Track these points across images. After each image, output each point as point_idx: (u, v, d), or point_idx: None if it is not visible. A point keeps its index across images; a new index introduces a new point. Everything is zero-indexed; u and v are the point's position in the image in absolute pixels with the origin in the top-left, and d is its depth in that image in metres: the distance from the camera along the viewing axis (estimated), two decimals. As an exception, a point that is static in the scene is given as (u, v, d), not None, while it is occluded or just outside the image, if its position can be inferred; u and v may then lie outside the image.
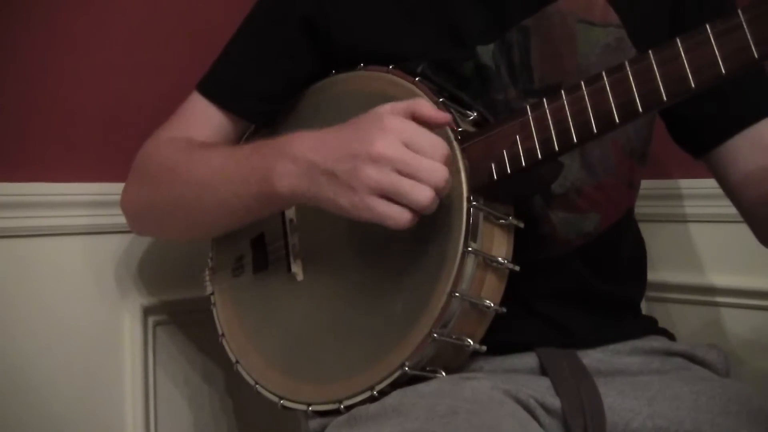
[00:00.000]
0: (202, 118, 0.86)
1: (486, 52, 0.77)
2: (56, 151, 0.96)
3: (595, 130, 0.63)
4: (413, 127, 0.65)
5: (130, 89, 1.02)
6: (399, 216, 0.64)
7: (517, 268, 0.71)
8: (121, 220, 0.89)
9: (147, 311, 1.02)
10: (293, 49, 0.83)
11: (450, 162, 0.66)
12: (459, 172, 0.69)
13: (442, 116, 0.68)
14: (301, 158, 0.68)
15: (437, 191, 0.64)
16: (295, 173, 0.68)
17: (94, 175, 0.98)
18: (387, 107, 0.67)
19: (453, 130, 0.70)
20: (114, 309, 0.99)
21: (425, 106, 0.67)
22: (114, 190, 0.90)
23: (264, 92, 0.85)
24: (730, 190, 0.83)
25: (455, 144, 0.70)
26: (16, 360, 0.90)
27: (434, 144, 0.65)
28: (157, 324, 1.03)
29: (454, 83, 0.76)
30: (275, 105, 0.86)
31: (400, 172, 0.63)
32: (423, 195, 0.63)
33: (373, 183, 0.63)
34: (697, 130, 0.83)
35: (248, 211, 0.76)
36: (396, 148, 0.63)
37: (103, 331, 0.98)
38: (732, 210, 0.83)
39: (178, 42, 1.07)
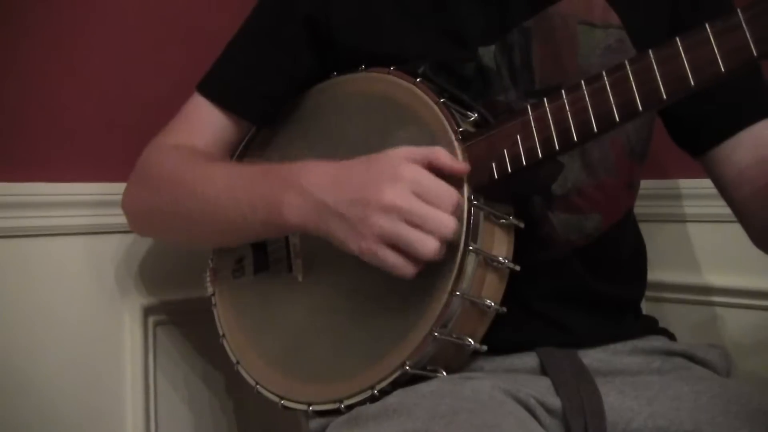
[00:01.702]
0: (203, 120, 0.86)
1: (487, 53, 0.77)
2: (57, 151, 0.96)
3: (595, 130, 0.63)
4: (425, 176, 0.66)
5: (130, 89, 1.02)
6: (403, 268, 0.65)
7: (517, 268, 0.71)
8: (122, 220, 0.89)
9: (147, 311, 1.02)
10: (295, 49, 0.84)
11: (460, 212, 0.66)
12: None
13: (460, 167, 0.68)
14: (311, 195, 0.69)
15: (443, 241, 0.65)
16: (305, 209, 0.69)
17: (95, 175, 0.98)
18: (403, 152, 0.67)
19: (454, 130, 0.70)
20: (114, 309, 0.99)
21: (443, 155, 0.68)
22: (115, 190, 0.90)
23: (265, 92, 0.85)
24: (724, 189, 0.83)
25: (456, 143, 0.70)
26: (17, 360, 0.90)
27: (445, 194, 0.66)
28: (157, 324, 1.03)
29: (455, 84, 0.76)
30: (276, 105, 0.86)
31: (409, 223, 0.64)
32: (428, 247, 0.64)
33: (380, 232, 0.64)
34: (696, 130, 0.84)
35: (255, 234, 0.78)
36: (406, 199, 0.64)
37: (103, 331, 0.98)
38: (731, 210, 0.84)
39: (179, 41, 1.07)
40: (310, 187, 0.69)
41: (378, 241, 0.65)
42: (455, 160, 0.68)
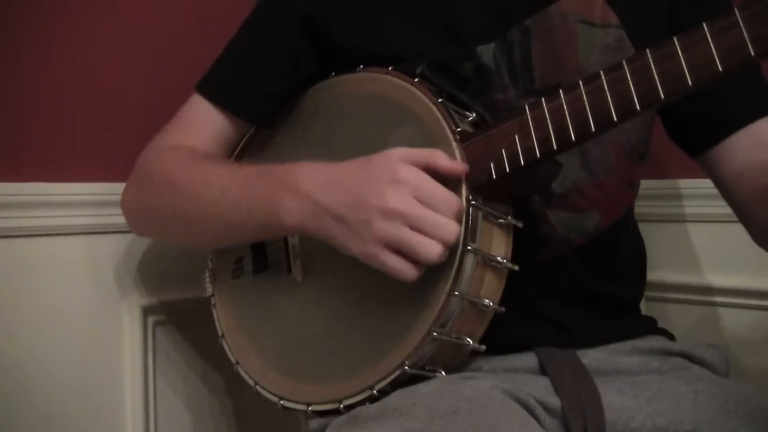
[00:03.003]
0: (202, 120, 0.86)
1: (486, 52, 0.77)
2: (57, 151, 0.96)
3: (593, 129, 0.63)
4: (426, 181, 0.66)
5: (130, 89, 1.02)
6: (407, 272, 0.66)
7: (516, 267, 0.71)
8: (121, 220, 0.90)
9: (146, 311, 1.02)
10: (294, 49, 0.84)
11: (461, 216, 0.66)
12: None
13: (458, 168, 0.68)
14: (309, 198, 0.68)
15: (446, 246, 0.65)
16: (303, 212, 0.69)
17: (95, 175, 0.98)
18: (401, 153, 0.67)
19: (452, 131, 0.70)
20: (114, 309, 0.99)
21: (441, 158, 0.67)
22: (114, 190, 0.90)
23: (264, 92, 0.85)
24: (724, 188, 0.83)
25: (454, 143, 0.70)
26: (16, 359, 0.90)
27: (447, 200, 0.66)
28: (156, 324, 1.03)
29: (453, 83, 0.76)
30: (275, 105, 0.86)
31: (412, 227, 0.64)
32: (432, 252, 0.64)
33: (383, 236, 0.65)
34: (694, 130, 0.84)
35: (253, 235, 0.78)
36: (408, 204, 0.64)
37: (102, 330, 0.98)
38: (731, 210, 0.84)
39: (179, 41, 1.07)
40: (306, 189, 0.69)
41: (381, 245, 0.65)
42: (454, 162, 0.68)
